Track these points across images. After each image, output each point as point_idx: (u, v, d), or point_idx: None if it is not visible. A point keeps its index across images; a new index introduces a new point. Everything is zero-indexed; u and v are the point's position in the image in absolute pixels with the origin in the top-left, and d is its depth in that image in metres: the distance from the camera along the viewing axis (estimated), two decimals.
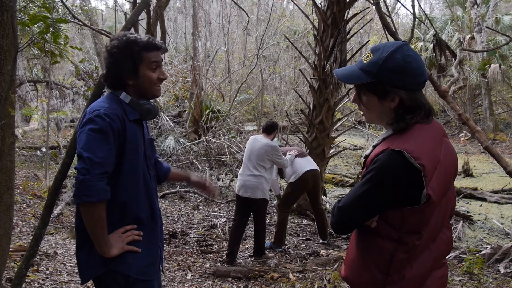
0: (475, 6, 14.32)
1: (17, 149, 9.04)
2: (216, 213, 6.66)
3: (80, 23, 4.46)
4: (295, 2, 9.91)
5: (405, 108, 1.38)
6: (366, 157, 1.49)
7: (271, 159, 4.68)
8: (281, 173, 5.39)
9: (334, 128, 6.73)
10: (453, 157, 1.47)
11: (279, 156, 4.73)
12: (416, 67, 1.37)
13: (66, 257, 4.24)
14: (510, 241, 5.34)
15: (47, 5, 4.36)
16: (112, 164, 1.65)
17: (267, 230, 5.94)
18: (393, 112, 1.41)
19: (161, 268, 1.90)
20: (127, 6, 15.13)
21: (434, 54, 12.38)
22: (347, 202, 1.40)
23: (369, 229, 1.42)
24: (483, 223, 6.30)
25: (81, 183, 1.58)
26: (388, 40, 4.99)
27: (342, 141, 11.48)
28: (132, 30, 2.39)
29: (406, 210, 1.35)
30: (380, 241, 1.40)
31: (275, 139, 5.84)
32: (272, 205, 7.02)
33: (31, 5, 5.85)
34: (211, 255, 4.85)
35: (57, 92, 11.85)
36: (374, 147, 1.46)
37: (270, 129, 4.86)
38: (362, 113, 1.51)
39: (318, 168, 5.26)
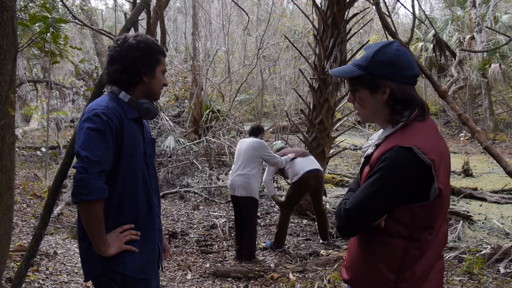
0: (474, 7, 14.32)
1: (17, 149, 9.05)
2: (216, 213, 6.66)
3: (80, 23, 4.46)
4: (295, 2, 9.91)
5: (397, 100, 1.40)
6: (367, 157, 1.48)
7: (260, 156, 4.69)
8: (283, 174, 5.38)
9: (334, 128, 6.73)
10: (448, 150, 1.49)
11: (268, 152, 4.74)
12: (405, 61, 1.41)
13: (66, 257, 4.24)
14: (510, 241, 5.33)
15: (47, 5, 4.36)
16: (110, 163, 1.66)
17: (267, 230, 5.95)
18: (386, 106, 1.42)
19: (160, 266, 1.90)
20: (127, 6, 15.13)
21: (434, 54, 12.40)
22: (356, 204, 1.37)
23: (375, 229, 1.39)
24: (483, 223, 6.29)
25: (79, 181, 1.59)
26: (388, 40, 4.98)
27: (342, 141, 11.48)
28: (133, 30, 2.40)
29: (416, 207, 1.34)
30: (390, 239, 1.38)
31: (278, 141, 5.88)
32: (272, 205, 7.02)
33: (31, 5, 5.85)
34: (211, 255, 4.85)
35: (57, 92, 11.85)
36: (377, 146, 1.44)
37: (256, 132, 4.94)
38: (357, 112, 1.52)
39: (321, 169, 5.24)
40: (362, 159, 1.53)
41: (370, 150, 1.48)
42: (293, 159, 5.11)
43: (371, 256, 1.44)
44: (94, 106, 1.69)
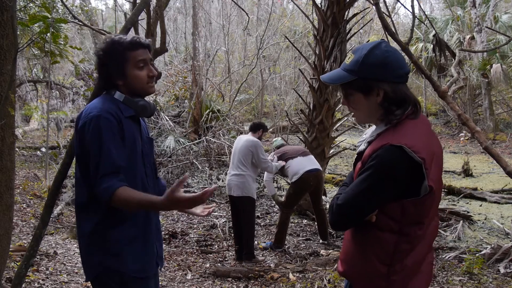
0: (474, 7, 14.32)
1: (17, 149, 9.04)
2: (216, 213, 6.65)
3: (80, 23, 4.47)
4: (295, 2, 9.91)
5: (391, 101, 1.42)
6: (360, 153, 1.51)
7: (253, 155, 4.62)
8: (283, 173, 5.38)
9: (334, 128, 6.73)
10: (441, 147, 1.52)
11: (261, 154, 4.65)
12: (396, 61, 1.43)
13: (66, 257, 4.24)
14: (510, 241, 5.33)
15: (47, 5, 4.36)
16: (116, 160, 1.64)
17: (267, 230, 5.96)
18: (380, 107, 1.44)
19: (159, 266, 1.90)
20: (127, 6, 15.13)
21: (434, 54, 12.40)
22: (347, 200, 1.41)
23: (367, 223, 1.43)
24: (483, 223, 6.29)
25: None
26: (387, 40, 4.98)
27: (342, 141, 11.47)
28: (133, 30, 2.40)
29: (406, 202, 1.37)
30: (380, 234, 1.42)
31: (278, 138, 5.83)
32: (272, 205, 7.02)
33: (31, 5, 5.84)
34: (211, 255, 4.85)
35: (57, 92, 11.85)
36: (369, 143, 1.47)
37: (255, 128, 4.88)
38: (353, 114, 1.55)
39: (320, 168, 5.22)
40: (356, 155, 1.56)
41: (362, 147, 1.51)
42: (293, 158, 5.10)
43: (364, 250, 1.47)
44: (90, 110, 1.69)
